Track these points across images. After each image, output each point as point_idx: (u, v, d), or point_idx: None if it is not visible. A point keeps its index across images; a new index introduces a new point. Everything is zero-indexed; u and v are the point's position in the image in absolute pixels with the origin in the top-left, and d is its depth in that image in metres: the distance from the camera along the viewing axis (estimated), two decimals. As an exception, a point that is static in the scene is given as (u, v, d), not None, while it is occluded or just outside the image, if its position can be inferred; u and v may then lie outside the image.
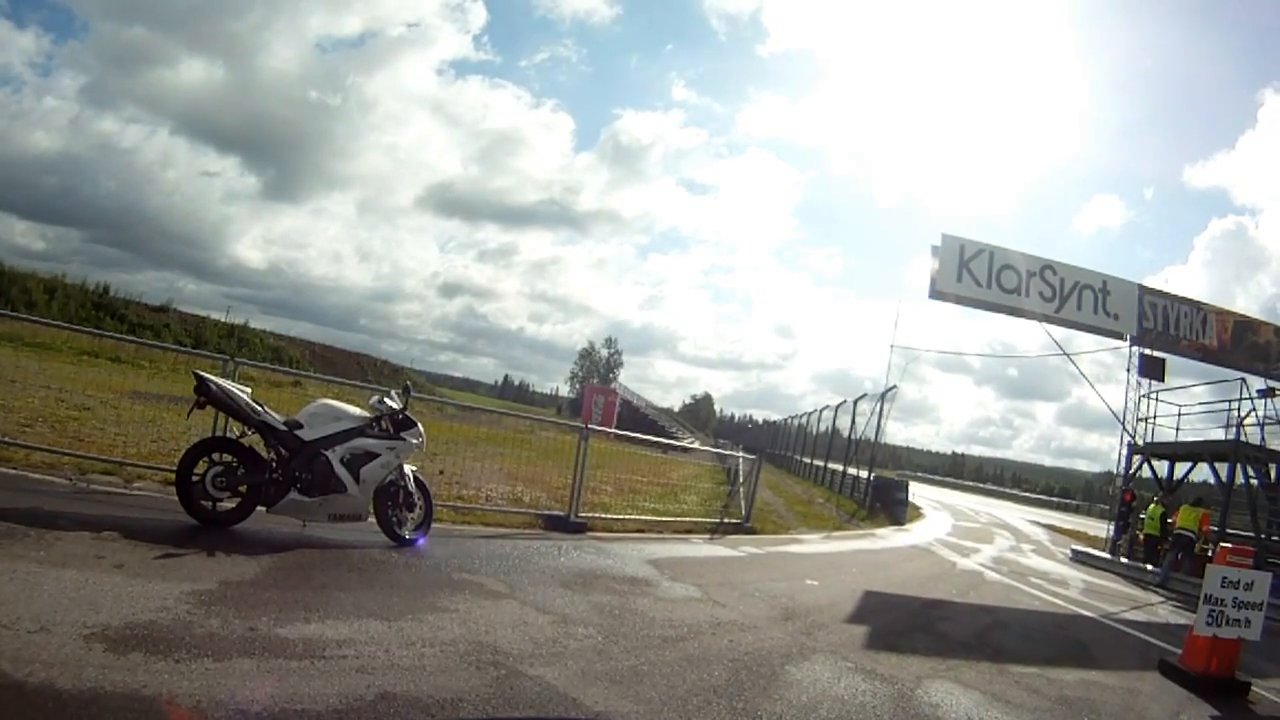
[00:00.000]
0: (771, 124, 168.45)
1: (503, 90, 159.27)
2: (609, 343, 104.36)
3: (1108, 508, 27.41)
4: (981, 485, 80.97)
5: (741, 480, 15.10)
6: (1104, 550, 19.30)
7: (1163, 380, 19.30)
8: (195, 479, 6.08)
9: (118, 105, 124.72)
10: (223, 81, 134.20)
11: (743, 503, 13.53)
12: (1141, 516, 18.14)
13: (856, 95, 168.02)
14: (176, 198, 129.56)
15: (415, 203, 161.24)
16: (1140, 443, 19.57)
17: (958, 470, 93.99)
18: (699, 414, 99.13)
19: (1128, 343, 18.97)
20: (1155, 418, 19.58)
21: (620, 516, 10.71)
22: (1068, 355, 19.51)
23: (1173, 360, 19.29)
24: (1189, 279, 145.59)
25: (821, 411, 34.05)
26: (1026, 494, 74.33)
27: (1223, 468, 16.82)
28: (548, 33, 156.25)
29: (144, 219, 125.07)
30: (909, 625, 7.67)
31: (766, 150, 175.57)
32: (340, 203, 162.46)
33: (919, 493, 30.18)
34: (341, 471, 6.50)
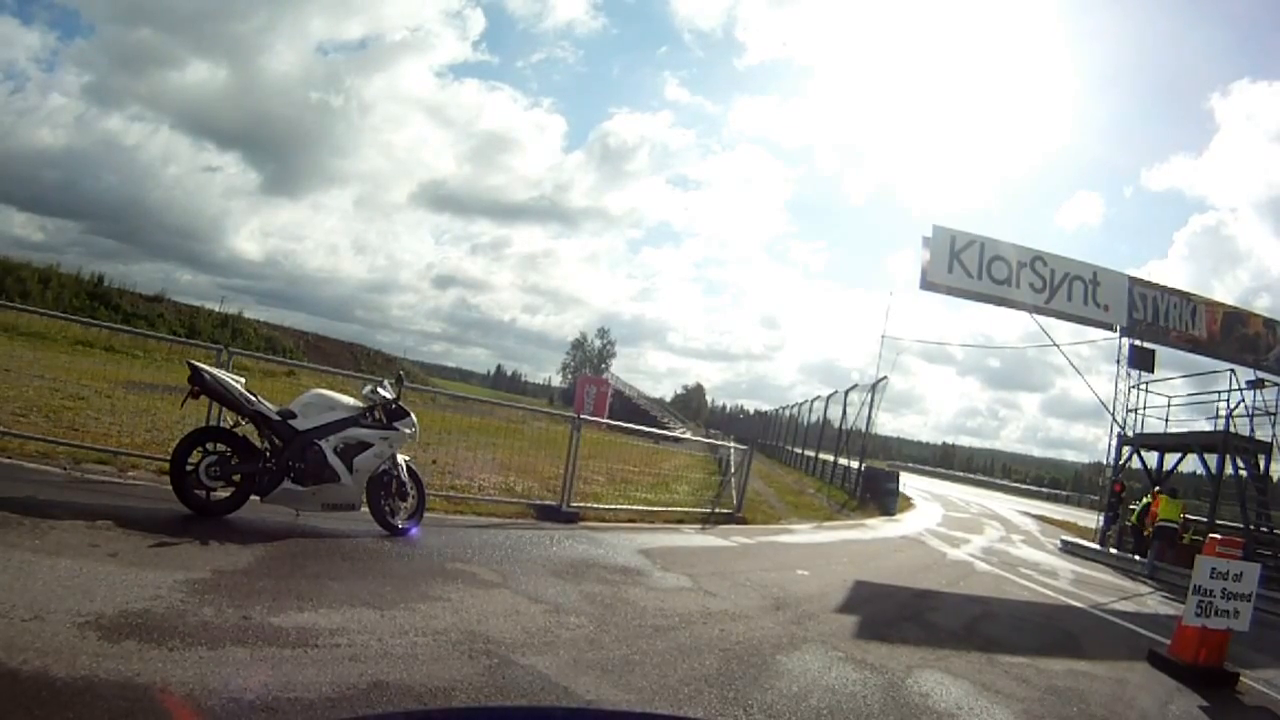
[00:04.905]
0: (762, 122, 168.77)
1: (499, 92, 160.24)
2: (601, 333, 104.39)
3: (1097, 499, 27.56)
4: (972, 476, 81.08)
5: (733, 470, 15.15)
6: (1093, 541, 19.42)
7: (1152, 371, 19.41)
8: (189, 468, 6.09)
9: (121, 103, 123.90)
10: (225, 81, 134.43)
11: (734, 493, 13.56)
12: (1131, 507, 18.25)
13: (842, 96, 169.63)
14: (176, 192, 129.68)
15: (410, 198, 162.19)
16: (1130, 434, 19.67)
17: (948, 461, 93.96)
18: (691, 404, 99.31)
19: (1118, 334, 19.05)
20: (1144, 409, 19.71)
21: (612, 506, 10.75)
22: (1058, 346, 19.60)
23: (1160, 351, 19.39)
24: (1170, 273, 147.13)
25: (812, 402, 34.26)
26: (1016, 484, 74.39)
27: (1212, 459, 16.90)
28: (544, 38, 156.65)
29: (143, 212, 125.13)
30: (899, 615, 7.73)
31: (758, 146, 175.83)
32: (338, 198, 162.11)
33: (910, 483, 30.29)
34: (335, 461, 6.51)
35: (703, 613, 6.19)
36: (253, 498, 6.33)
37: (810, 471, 29.62)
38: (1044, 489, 71.25)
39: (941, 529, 19.14)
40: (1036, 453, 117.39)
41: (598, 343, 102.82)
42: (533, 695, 3.90)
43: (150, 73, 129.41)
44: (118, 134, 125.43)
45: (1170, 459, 19.39)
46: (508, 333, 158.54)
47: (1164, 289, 19.66)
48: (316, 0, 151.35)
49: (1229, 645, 6.97)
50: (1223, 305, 20.41)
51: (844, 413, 27.77)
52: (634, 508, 11.20)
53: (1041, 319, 18.68)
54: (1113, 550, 17.99)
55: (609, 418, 33.19)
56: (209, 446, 6.23)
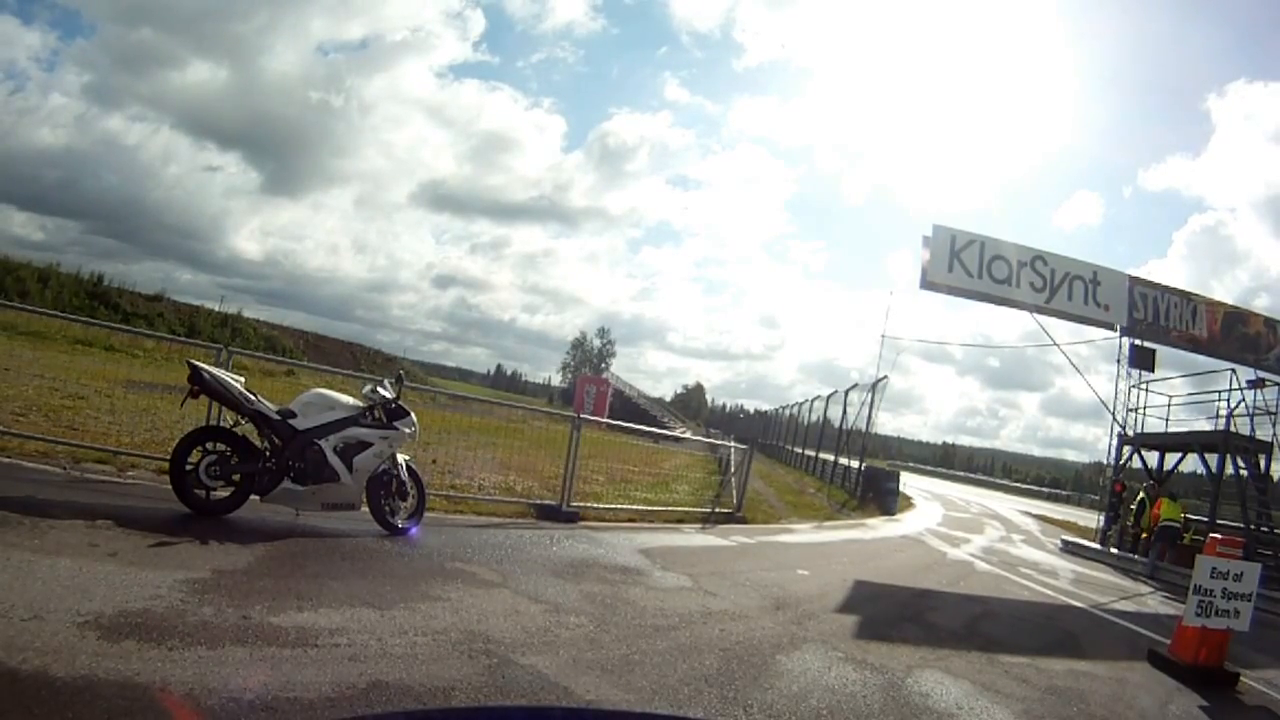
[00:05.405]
0: (761, 122, 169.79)
1: (499, 92, 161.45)
2: (601, 333, 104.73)
3: (1098, 498, 27.54)
4: (972, 475, 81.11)
5: (733, 470, 15.16)
6: (1094, 541, 19.42)
7: (1153, 370, 19.40)
8: (189, 468, 6.08)
9: (122, 103, 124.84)
10: (226, 81, 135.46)
11: (734, 492, 13.56)
12: (1131, 507, 18.23)
13: (841, 97, 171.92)
14: (177, 192, 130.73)
15: (410, 198, 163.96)
16: (1130, 433, 19.66)
17: (948, 460, 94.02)
18: (690, 404, 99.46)
19: (1118, 333, 19.03)
20: (1145, 408, 19.70)
21: (612, 506, 10.75)
22: (1058, 346, 19.58)
23: (1160, 351, 19.38)
24: (1170, 273, 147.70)
25: (813, 402, 34.27)
26: (1017, 484, 74.42)
27: (1212, 459, 16.88)
28: (544, 38, 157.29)
29: (143, 212, 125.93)
30: (899, 615, 7.72)
31: (757, 146, 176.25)
32: (338, 197, 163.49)
33: (910, 483, 30.27)
34: (335, 460, 6.50)
35: (703, 612, 6.19)
36: (253, 497, 6.32)
37: (810, 471, 29.61)
38: (1044, 489, 71.29)
39: (942, 529, 19.14)
40: (1037, 452, 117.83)
41: (597, 342, 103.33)
42: (533, 695, 3.89)
43: (151, 73, 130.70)
44: (118, 134, 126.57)
45: (1171, 458, 19.38)
46: (507, 332, 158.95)
47: (1164, 288, 19.64)
48: (317, 1, 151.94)
49: (1229, 645, 6.96)
50: (1223, 305, 20.38)
51: (844, 412, 27.82)
52: (634, 507, 11.20)
53: (1042, 318, 18.65)
54: (1113, 550, 17.97)
55: (609, 417, 33.18)
56: (209, 446, 6.23)
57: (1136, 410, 19.76)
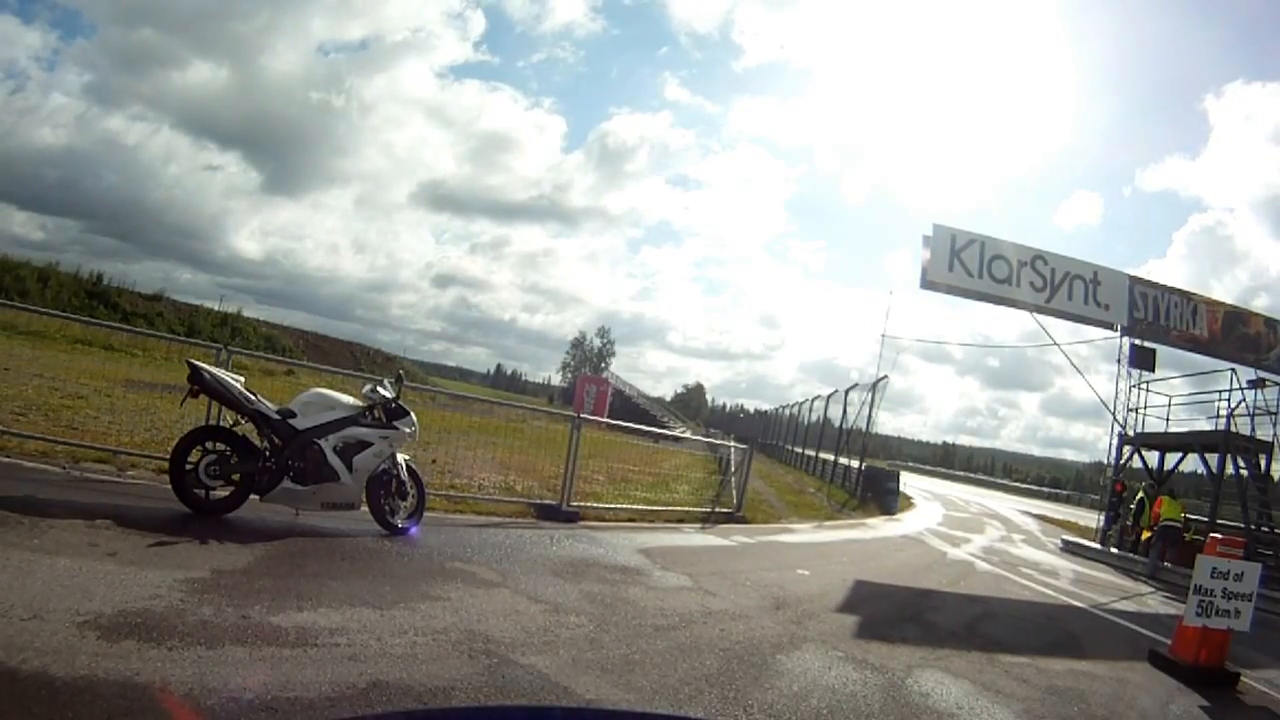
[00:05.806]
0: (761, 122, 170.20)
1: (499, 93, 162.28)
2: (601, 332, 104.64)
3: (1098, 498, 27.53)
4: (972, 475, 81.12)
5: (733, 470, 15.15)
6: (1094, 541, 19.42)
7: (1153, 370, 19.39)
8: (189, 467, 6.08)
9: (122, 102, 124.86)
10: (227, 81, 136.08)
11: (734, 492, 13.55)
12: (1131, 507, 18.23)
13: (841, 97, 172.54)
14: (177, 191, 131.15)
15: (410, 198, 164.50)
16: (1130, 433, 19.65)
17: (949, 460, 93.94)
18: (691, 403, 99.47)
19: (1118, 333, 19.01)
20: (1145, 408, 19.69)
21: (612, 506, 10.74)
22: (1058, 345, 19.55)
23: (1161, 350, 19.36)
24: (1170, 273, 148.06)
25: (813, 401, 34.27)
26: (1017, 484, 74.42)
27: (1213, 458, 16.87)
28: (544, 39, 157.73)
29: (143, 211, 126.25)
30: (899, 615, 7.72)
31: (757, 146, 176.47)
32: (338, 197, 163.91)
33: (910, 483, 30.26)
34: (334, 460, 6.50)
35: (703, 612, 6.18)
36: (252, 497, 6.32)
37: (810, 471, 29.60)
38: (1044, 488, 71.27)
39: (942, 528, 19.14)
40: (1037, 452, 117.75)
41: (597, 342, 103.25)
42: (533, 695, 3.89)
43: (152, 72, 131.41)
44: (118, 133, 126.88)
45: (1171, 458, 19.36)
46: (507, 332, 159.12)
47: (1164, 288, 19.61)
48: (318, 1, 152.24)
49: (1230, 645, 6.95)
50: (1223, 304, 20.35)
51: (844, 412, 27.82)
52: (634, 507, 11.19)
53: (1042, 318, 18.62)
54: (1113, 550, 17.97)
55: (609, 417, 33.18)
56: (208, 445, 6.22)
57: (1137, 410, 19.75)
